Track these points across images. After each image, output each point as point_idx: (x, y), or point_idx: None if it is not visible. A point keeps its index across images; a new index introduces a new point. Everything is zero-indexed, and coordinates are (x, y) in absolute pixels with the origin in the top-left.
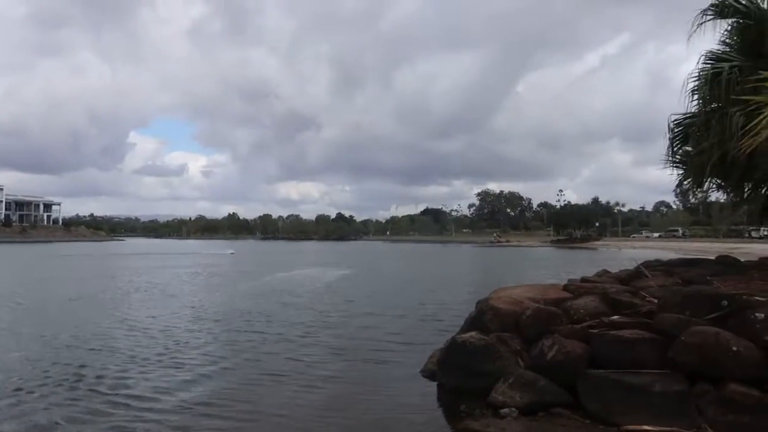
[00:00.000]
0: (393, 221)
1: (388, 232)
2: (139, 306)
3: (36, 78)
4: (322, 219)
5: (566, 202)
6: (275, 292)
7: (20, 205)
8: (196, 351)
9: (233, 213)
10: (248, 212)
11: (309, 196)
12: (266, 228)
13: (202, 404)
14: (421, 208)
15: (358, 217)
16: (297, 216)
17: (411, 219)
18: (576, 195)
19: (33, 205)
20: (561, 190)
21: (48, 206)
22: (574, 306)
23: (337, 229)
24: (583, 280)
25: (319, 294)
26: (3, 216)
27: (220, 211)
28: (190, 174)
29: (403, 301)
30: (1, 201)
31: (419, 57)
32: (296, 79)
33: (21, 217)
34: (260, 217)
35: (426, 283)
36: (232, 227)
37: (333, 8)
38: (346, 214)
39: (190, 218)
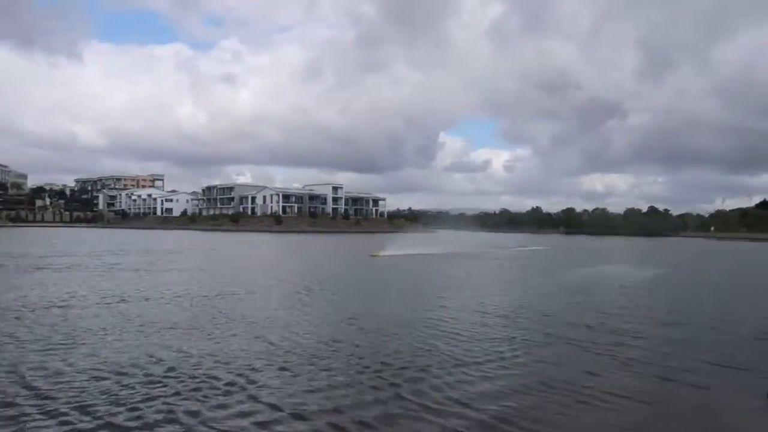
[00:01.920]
0: (718, 216)
1: (712, 228)
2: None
3: (363, 92)
4: (631, 213)
5: None
6: (571, 291)
7: (355, 200)
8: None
9: (536, 207)
10: (551, 206)
11: (615, 189)
12: (570, 222)
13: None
14: (756, 200)
15: (675, 211)
16: (603, 210)
17: (743, 213)
18: None
19: (364, 201)
20: None
21: (376, 201)
22: None
23: (649, 224)
24: None
25: (628, 295)
26: (343, 210)
27: (523, 204)
28: (494, 169)
29: (731, 313)
30: (342, 198)
31: (740, 27)
32: (597, 66)
33: (356, 211)
34: (563, 210)
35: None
36: (535, 221)
37: None
38: (660, 207)
39: (494, 212)
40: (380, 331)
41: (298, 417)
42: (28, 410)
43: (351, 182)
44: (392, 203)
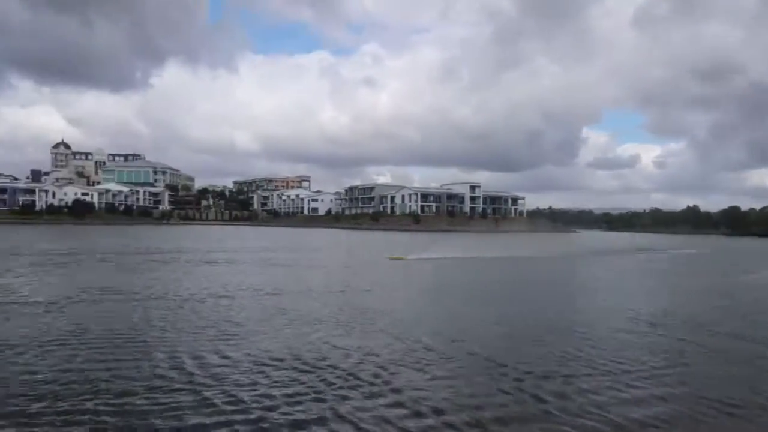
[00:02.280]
0: None
1: None
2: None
3: (500, 89)
4: None
5: None
6: (736, 301)
7: (493, 199)
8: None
9: (693, 206)
10: (710, 205)
11: None
12: (734, 222)
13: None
14: None
15: None
16: None
17: None
18: None
19: (503, 200)
20: None
21: (515, 200)
22: None
23: None
24: None
25: None
26: (481, 209)
27: (676, 203)
28: (642, 165)
29: None
30: (480, 197)
31: None
32: (765, 49)
33: (494, 210)
34: (726, 209)
35: None
36: (691, 221)
37: None
38: None
39: (644, 210)
40: (519, 333)
41: (439, 412)
42: (187, 394)
43: (488, 181)
44: (531, 202)
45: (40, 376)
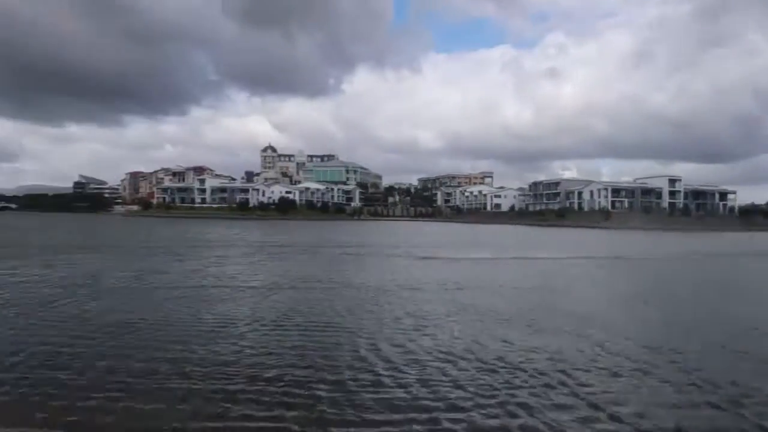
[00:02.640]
0: None
1: None
2: None
3: (702, 71)
4: None
5: None
6: None
7: (697, 194)
8: None
9: None
10: None
11: None
12: None
13: None
14: None
15: None
16: None
17: None
18: None
19: (709, 194)
20: None
21: (723, 195)
22: None
23: None
24: None
25: None
26: (681, 205)
27: None
28: None
29: None
30: (680, 191)
31: None
32: None
33: (697, 206)
34: None
35: None
36: None
37: None
38: None
39: None
40: (732, 346)
41: (616, 419)
42: (369, 383)
43: (689, 173)
44: (743, 197)
45: (263, 352)
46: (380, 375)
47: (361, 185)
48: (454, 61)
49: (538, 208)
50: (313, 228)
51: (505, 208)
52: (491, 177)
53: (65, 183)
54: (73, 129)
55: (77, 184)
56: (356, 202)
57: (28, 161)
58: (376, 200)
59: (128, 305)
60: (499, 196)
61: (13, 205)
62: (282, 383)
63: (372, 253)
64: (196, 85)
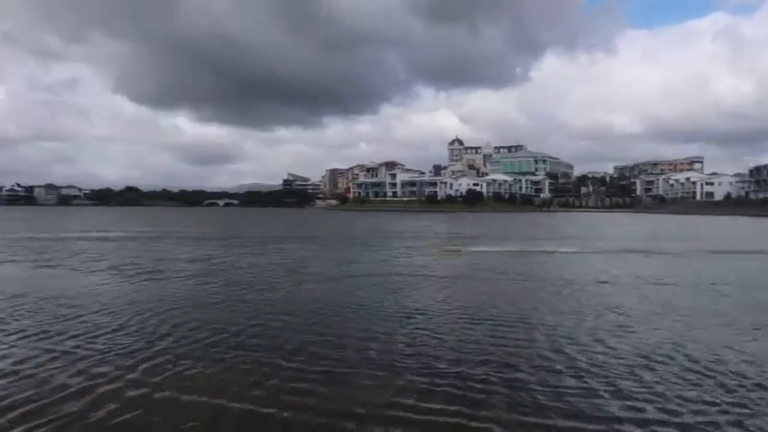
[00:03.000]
0: None
1: None
2: None
3: None
4: None
5: None
6: None
7: None
8: None
9: None
10: None
11: None
12: None
13: None
14: None
15: None
16: None
17: None
18: None
19: None
20: None
21: None
22: None
23: None
24: None
25: None
26: None
27: None
28: None
29: None
30: None
31: None
32: None
33: None
34: None
35: None
36: None
37: None
38: None
39: None
40: None
41: None
42: (570, 378)
43: None
44: None
45: (449, 343)
46: (586, 379)
47: (551, 175)
48: (655, 36)
49: (761, 196)
50: (501, 220)
51: (718, 196)
52: (701, 162)
53: (276, 181)
54: (281, 132)
55: (286, 182)
56: (545, 193)
57: (247, 162)
58: (567, 191)
59: (328, 292)
60: (712, 184)
61: (236, 201)
62: (471, 380)
63: (560, 245)
64: (387, 85)
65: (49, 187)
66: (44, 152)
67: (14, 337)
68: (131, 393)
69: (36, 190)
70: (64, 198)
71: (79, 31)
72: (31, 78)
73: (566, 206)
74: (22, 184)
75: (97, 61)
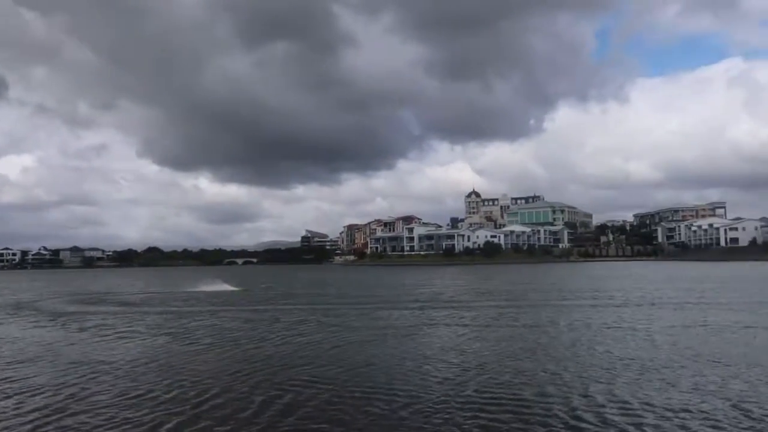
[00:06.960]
0: None
1: None
2: None
3: None
4: None
5: None
6: None
7: None
8: None
9: None
10: None
11: None
12: None
13: None
14: None
15: None
16: None
17: None
18: None
19: None
20: None
21: None
22: None
23: None
24: None
25: None
26: None
27: None
28: None
29: None
30: None
31: None
32: None
33: None
34: None
35: None
36: None
37: None
38: None
39: None
40: None
41: None
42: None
43: None
44: None
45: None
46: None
47: (570, 225)
48: (668, 83)
49: None
50: (521, 272)
51: (744, 242)
52: (723, 208)
53: (295, 237)
54: (299, 190)
55: (304, 239)
56: (564, 243)
57: (266, 220)
58: (587, 240)
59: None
60: (736, 229)
61: (255, 260)
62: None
63: (581, 299)
64: (402, 140)
65: (75, 249)
66: (72, 216)
67: None
68: None
69: (62, 253)
70: (87, 260)
71: (109, 99)
72: (62, 145)
73: (586, 256)
74: (49, 247)
75: (124, 126)
